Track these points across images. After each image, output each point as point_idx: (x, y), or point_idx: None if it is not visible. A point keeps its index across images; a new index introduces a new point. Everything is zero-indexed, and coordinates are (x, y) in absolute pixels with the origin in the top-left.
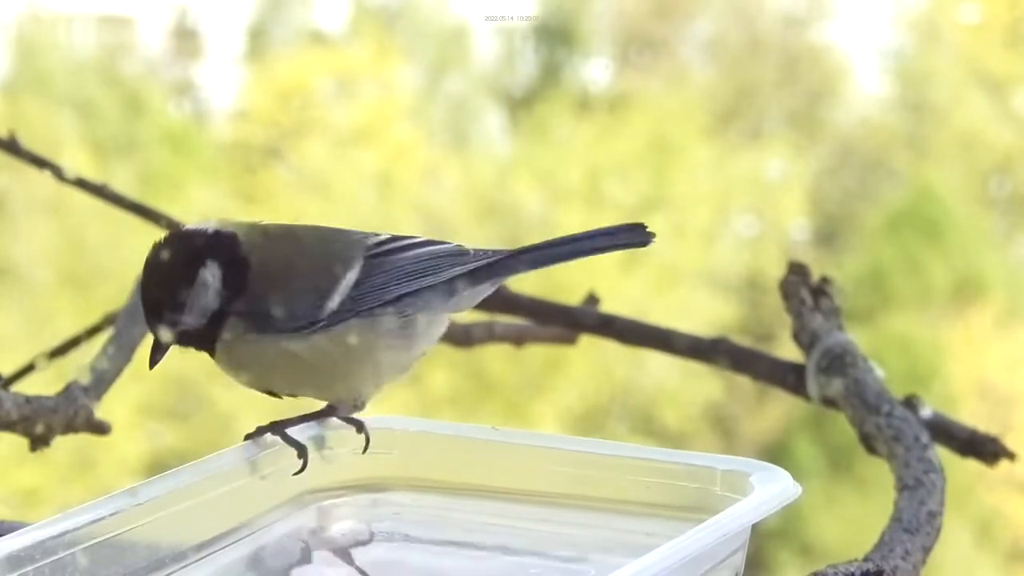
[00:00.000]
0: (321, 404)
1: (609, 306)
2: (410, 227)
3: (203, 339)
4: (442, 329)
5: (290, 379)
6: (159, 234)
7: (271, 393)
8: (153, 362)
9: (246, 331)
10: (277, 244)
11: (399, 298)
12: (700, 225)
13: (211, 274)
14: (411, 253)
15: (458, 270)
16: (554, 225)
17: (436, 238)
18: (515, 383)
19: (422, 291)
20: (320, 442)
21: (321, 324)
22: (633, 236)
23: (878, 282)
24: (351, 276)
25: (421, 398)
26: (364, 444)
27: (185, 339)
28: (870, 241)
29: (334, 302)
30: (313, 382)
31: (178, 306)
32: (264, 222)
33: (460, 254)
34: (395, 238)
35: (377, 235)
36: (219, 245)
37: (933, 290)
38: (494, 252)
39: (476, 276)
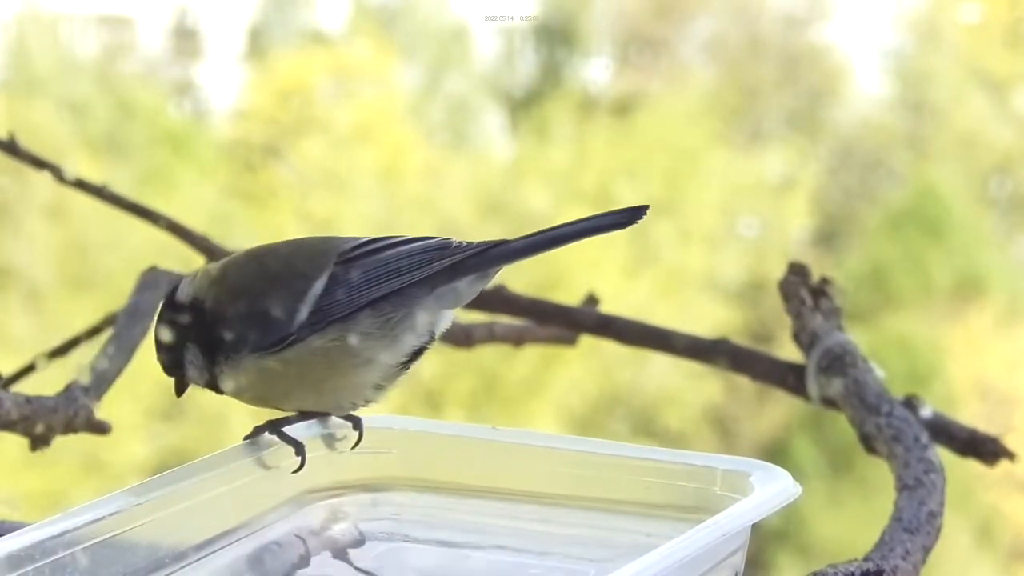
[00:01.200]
0: None
1: (613, 310)
2: (411, 228)
3: (177, 372)
4: (437, 323)
5: (277, 393)
6: (158, 235)
7: (278, 408)
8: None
9: (221, 356)
10: (241, 271)
11: (374, 300)
12: (703, 228)
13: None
14: (387, 253)
15: (440, 264)
16: None
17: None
18: (515, 383)
19: (402, 289)
20: (329, 440)
21: (292, 337)
22: (619, 217)
23: (879, 282)
24: (319, 285)
25: (422, 398)
26: (356, 440)
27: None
28: (870, 241)
29: (303, 314)
30: (297, 394)
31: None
32: (244, 249)
33: (442, 248)
34: (374, 240)
35: (356, 239)
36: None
37: (933, 290)
38: (479, 244)
39: (462, 268)
